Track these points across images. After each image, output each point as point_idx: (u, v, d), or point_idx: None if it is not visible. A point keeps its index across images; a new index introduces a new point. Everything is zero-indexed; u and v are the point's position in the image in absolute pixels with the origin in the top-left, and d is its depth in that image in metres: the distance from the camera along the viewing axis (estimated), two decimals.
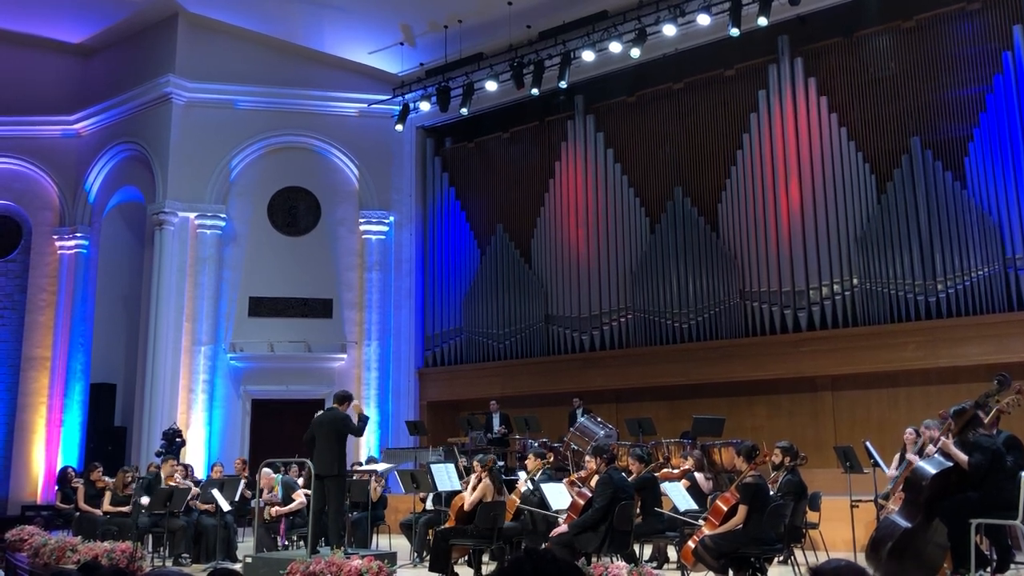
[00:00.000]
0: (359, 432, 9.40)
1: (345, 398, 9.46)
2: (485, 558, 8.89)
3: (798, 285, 13.45)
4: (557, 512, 8.43)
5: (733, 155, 14.49)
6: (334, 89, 17.50)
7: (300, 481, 11.37)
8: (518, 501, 9.08)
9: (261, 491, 10.49)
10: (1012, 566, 7.08)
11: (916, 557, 6.68)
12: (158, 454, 13.93)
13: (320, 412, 9.51)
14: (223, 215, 16.85)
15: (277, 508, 10.63)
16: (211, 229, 16.77)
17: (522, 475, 9.82)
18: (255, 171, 17.28)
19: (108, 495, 11.33)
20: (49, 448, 17.26)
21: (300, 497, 10.63)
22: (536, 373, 15.97)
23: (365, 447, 15.97)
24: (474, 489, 8.73)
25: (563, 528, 7.89)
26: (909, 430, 9.11)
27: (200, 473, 14.37)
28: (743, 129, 14.44)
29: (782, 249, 13.70)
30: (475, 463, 9.04)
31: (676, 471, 10.00)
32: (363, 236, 17.42)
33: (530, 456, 9.58)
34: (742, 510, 7.11)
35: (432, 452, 13.74)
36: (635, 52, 13.84)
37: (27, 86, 17.98)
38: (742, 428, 13.23)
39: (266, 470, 10.75)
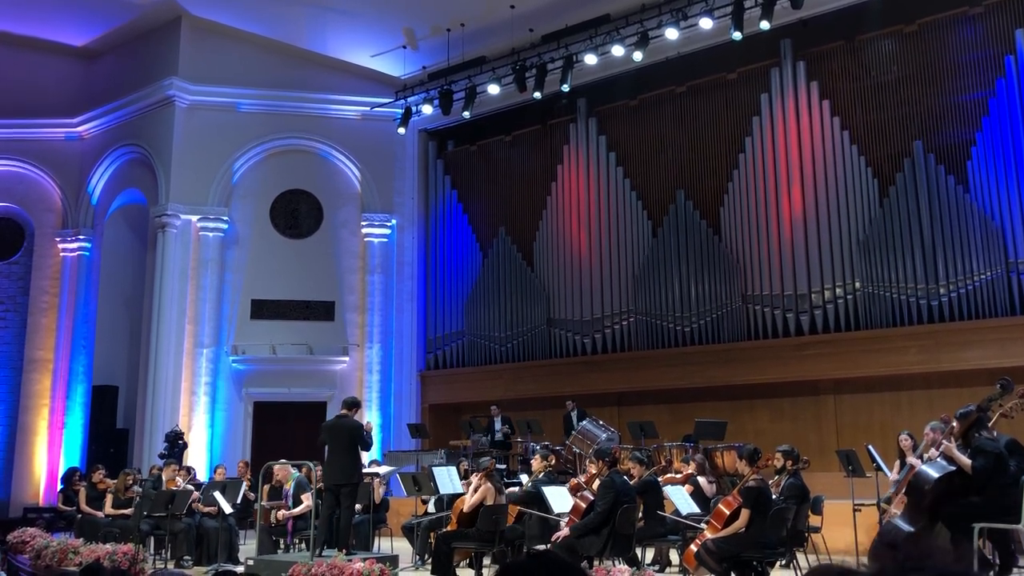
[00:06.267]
0: (369, 446, 9.51)
1: (356, 404, 9.46)
2: (487, 561, 8.89)
3: (800, 289, 13.45)
4: (559, 515, 8.42)
5: (735, 158, 14.49)
6: (336, 92, 17.51)
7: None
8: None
9: (266, 487, 10.43)
10: (1015, 570, 7.06)
11: None
12: (161, 456, 13.94)
13: (331, 419, 9.47)
14: (225, 218, 16.86)
15: (284, 512, 10.60)
16: (213, 232, 16.78)
17: (524, 478, 9.82)
18: (257, 174, 17.29)
19: (110, 497, 11.33)
20: (51, 450, 17.27)
21: (308, 500, 10.60)
22: (538, 376, 15.96)
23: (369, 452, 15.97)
24: (475, 492, 8.73)
25: (565, 531, 7.89)
26: (903, 435, 9.09)
27: (202, 475, 14.37)
28: (745, 132, 14.44)
29: (784, 252, 13.69)
30: (475, 466, 9.04)
31: (679, 475, 9.99)
32: (365, 239, 17.43)
33: (536, 457, 9.59)
34: (744, 514, 7.11)
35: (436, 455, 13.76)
36: (637, 55, 13.84)
37: (30, 89, 17.99)
38: (744, 432, 13.22)
39: (283, 462, 10.68)
